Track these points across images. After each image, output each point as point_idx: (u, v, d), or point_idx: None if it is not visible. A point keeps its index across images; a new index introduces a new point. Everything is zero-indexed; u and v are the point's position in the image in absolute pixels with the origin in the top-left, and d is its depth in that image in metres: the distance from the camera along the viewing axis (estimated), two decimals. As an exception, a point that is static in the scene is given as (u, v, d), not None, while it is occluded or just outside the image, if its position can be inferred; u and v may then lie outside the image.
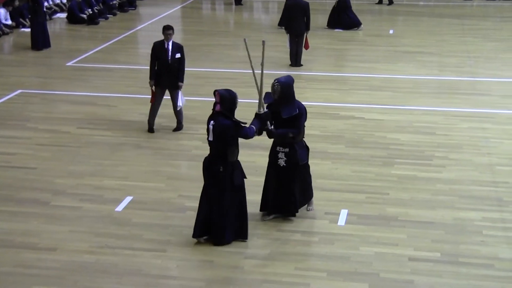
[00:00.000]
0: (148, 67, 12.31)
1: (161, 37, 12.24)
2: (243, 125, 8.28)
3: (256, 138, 8.67)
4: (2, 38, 20.13)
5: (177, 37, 21.66)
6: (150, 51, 12.25)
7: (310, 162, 9.01)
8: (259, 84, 8.56)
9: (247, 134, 8.30)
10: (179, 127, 12.43)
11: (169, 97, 12.33)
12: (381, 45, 19.49)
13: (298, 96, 8.42)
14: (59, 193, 10.02)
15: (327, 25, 21.37)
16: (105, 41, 19.71)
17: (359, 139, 11.97)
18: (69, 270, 8.00)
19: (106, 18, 23.04)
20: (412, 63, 17.17)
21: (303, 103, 8.95)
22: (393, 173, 10.64)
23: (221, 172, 8.26)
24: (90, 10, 22.51)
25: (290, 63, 16.71)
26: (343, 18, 21.05)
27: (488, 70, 16.52)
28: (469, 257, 8.29)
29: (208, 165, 8.38)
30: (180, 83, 12.25)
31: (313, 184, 10.04)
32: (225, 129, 8.16)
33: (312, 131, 12.22)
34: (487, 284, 7.77)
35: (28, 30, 19.96)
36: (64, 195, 9.94)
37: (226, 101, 8.19)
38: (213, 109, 8.28)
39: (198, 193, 9.83)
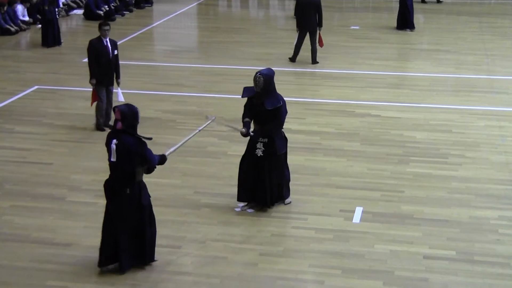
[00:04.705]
0: (88, 66, 12.13)
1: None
2: (146, 140, 7.64)
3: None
4: (19, 34, 20.24)
5: (192, 34, 21.85)
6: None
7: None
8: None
9: (151, 160, 7.63)
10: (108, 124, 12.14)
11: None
12: (397, 42, 19.40)
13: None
14: (75, 189, 10.06)
15: (397, 27, 20.65)
16: (121, 37, 19.73)
17: (375, 137, 11.92)
18: (84, 266, 8.02)
19: (123, 15, 23.12)
20: (429, 60, 17.08)
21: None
22: (409, 171, 10.59)
23: (128, 194, 7.62)
24: (106, 6, 22.57)
25: (291, 59, 16.70)
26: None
27: (506, 68, 16.39)
28: (485, 255, 8.24)
29: (112, 189, 7.70)
30: (119, 80, 12.33)
31: (328, 181, 10.05)
32: (131, 147, 7.52)
33: (327, 128, 12.20)
34: (503, 283, 7.72)
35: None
36: (79, 191, 9.98)
37: (128, 117, 7.54)
38: (114, 127, 7.67)
39: (214, 190, 9.91)
